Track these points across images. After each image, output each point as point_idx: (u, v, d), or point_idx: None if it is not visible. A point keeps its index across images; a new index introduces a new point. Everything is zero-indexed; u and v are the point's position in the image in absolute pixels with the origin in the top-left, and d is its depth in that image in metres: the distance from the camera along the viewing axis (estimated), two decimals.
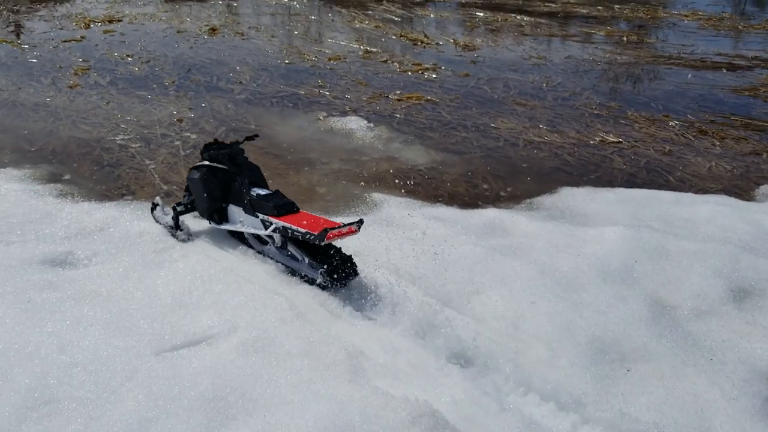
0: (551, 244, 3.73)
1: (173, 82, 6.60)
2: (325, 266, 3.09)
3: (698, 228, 4.12)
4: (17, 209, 3.97)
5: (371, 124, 5.79)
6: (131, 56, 7.40)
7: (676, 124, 6.01)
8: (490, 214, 4.16)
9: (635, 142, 5.58)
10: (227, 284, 3.17)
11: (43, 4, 9.86)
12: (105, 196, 4.29)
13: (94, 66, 6.76)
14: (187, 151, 5.03)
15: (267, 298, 3.04)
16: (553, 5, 11.17)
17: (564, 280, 3.35)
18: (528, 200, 4.47)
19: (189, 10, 9.99)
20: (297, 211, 3.42)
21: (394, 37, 8.84)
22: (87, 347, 2.61)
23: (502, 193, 4.60)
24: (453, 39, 8.79)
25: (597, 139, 5.63)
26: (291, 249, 3.36)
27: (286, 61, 7.59)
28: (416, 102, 6.40)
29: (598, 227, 3.95)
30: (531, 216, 4.15)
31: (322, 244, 3.00)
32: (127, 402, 2.34)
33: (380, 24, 9.45)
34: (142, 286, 3.13)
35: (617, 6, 11.19)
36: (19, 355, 2.55)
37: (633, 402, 2.55)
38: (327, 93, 6.56)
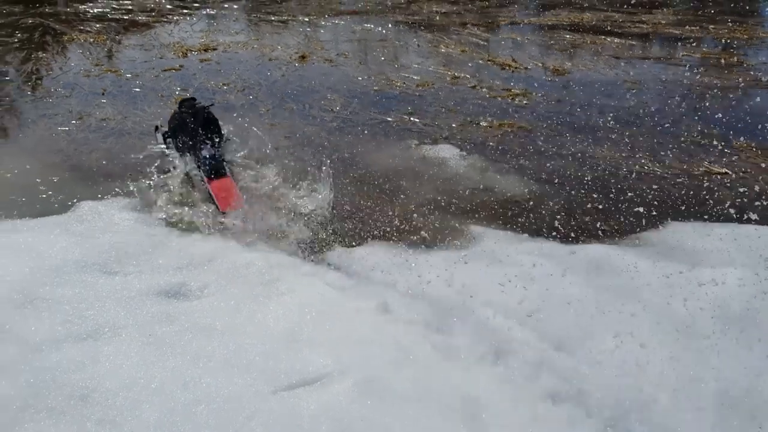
0: (664, 285, 3.58)
1: (268, 110, 6.76)
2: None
3: None
4: (130, 238, 4.13)
5: (464, 153, 5.75)
6: (227, 84, 7.64)
7: None
8: (596, 250, 4.03)
9: (744, 173, 5.33)
10: (336, 321, 3.18)
11: (143, 33, 10.33)
12: (210, 226, 4.42)
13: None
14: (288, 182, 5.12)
15: (377, 337, 3.03)
16: (643, 26, 10.86)
17: (682, 325, 3.20)
18: (634, 235, 4.32)
19: (278, 38, 10.24)
20: (225, 175, 4.68)
21: (481, 61, 8.79)
22: (208, 384, 2.67)
23: (606, 227, 4.46)
24: (542, 63, 8.67)
25: (701, 169, 5.40)
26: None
27: (375, 88, 7.65)
28: (509, 129, 6.32)
29: (714, 267, 3.76)
30: (639, 253, 4.01)
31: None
32: None
33: (466, 48, 9.42)
34: (254, 321, 3.19)
35: (712, 26, 10.78)
36: (146, 390, 2.63)
37: None
38: (417, 120, 6.57)
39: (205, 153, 4.80)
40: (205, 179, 4.68)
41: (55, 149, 5.68)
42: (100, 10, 12.09)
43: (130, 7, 12.40)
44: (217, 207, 4.53)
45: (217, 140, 5.10)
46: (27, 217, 4.47)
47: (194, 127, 4.97)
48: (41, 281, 3.45)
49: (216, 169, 4.67)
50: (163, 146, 5.29)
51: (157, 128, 5.41)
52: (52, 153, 5.60)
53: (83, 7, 12.38)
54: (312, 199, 4.70)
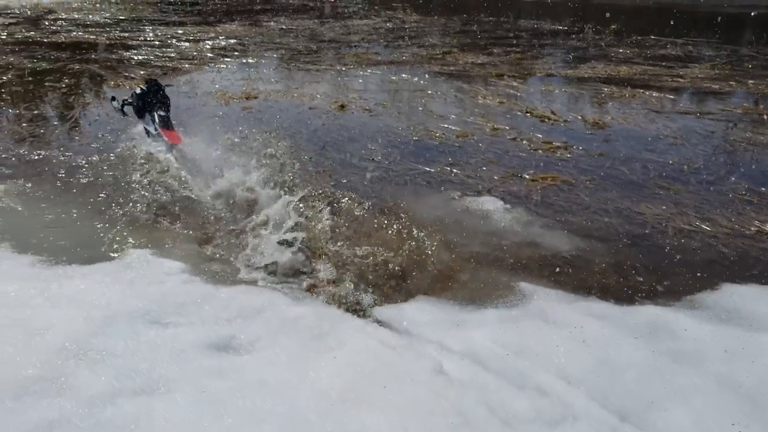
0: (726, 352, 3.47)
1: (310, 159, 6.81)
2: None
3: None
4: (179, 288, 4.13)
5: (508, 206, 5.72)
6: (269, 132, 7.73)
7: None
8: (650, 312, 3.94)
9: None
10: (391, 382, 3.12)
11: (185, 80, 10.56)
12: (259, 280, 4.42)
13: (239, 144, 7.10)
14: (334, 230, 5.12)
15: (433, 402, 2.96)
16: (681, 80, 10.85)
17: (748, 396, 3.08)
18: (688, 297, 4.22)
19: (317, 87, 10.41)
20: (171, 128, 6.63)
21: (519, 113, 8.83)
22: None
23: (659, 288, 4.36)
24: (581, 116, 8.67)
25: (753, 228, 5.30)
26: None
27: (415, 138, 7.70)
28: (551, 183, 6.29)
29: None
30: (696, 316, 3.90)
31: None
32: None
33: (504, 100, 9.47)
34: (308, 378, 3.14)
35: (751, 81, 10.73)
36: None
37: None
38: (458, 171, 6.57)
39: (162, 113, 6.77)
40: (160, 129, 6.65)
41: (101, 195, 5.76)
42: (144, 57, 12.44)
43: (172, 55, 12.73)
44: (169, 143, 6.55)
45: (168, 106, 6.92)
46: (76, 263, 4.52)
47: (157, 96, 6.88)
48: (94, 331, 3.46)
49: (166, 123, 6.68)
50: (120, 111, 7.28)
51: (113, 98, 7.46)
52: (98, 199, 5.68)
53: (128, 54, 12.75)
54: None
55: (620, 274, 4.57)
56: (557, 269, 4.65)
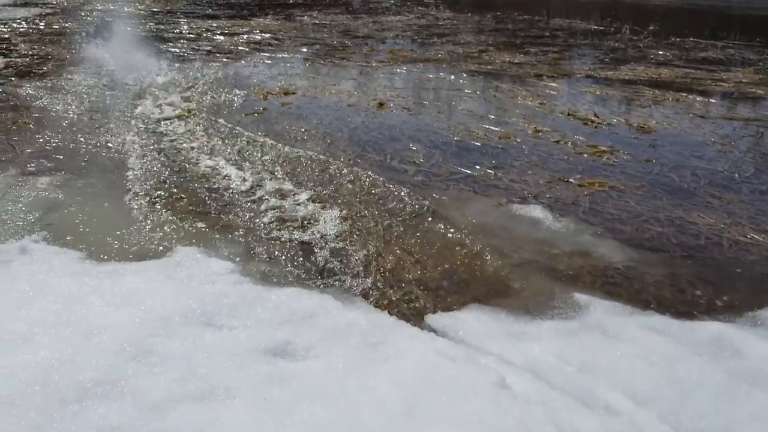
0: None
1: (350, 159, 6.76)
2: None
3: None
4: (230, 289, 4.10)
5: (556, 213, 5.62)
6: (308, 131, 7.70)
7: None
8: (713, 328, 3.82)
9: None
10: (453, 395, 3.05)
11: (223, 74, 10.56)
12: (307, 280, 4.37)
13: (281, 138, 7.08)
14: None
15: (498, 419, 2.89)
16: (725, 84, 10.62)
17: None
18: (750, 313, 4.09)
19: (354, 84, 10.35)
20: None
21: (561, 114, 8.69)
22: None
23: (718, 302, 4.24)
24: (625, 119, 8.52)
25: None
26: None
27: (456, 139, 7.61)
28: (599, 188, 6.17)
29: None
30: (761, 335, 3.78)
31: None
32: None
33: (544, 101, 9.34)
34: (368, 388, 3.09)
35: None
36: None
37: None
38: (502, 175, 6.48)
39: None
40: None
41: (146, 190, 5.76)
42: (180, 50, 12.47)
43: (208, 48, 12.76)
44: None
45: None
46: (125, 260, 4.51)
47: None
48: (151, 332, 3.44)
49: None
50: None
51: None
52: (145, 193, 5.67)
53: (164, 46, 12.79)
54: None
55: (676, 287, 4.45)
56: (611, 280, 4.55)
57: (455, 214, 5.56)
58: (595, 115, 8.58)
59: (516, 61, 12.31)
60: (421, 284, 4.41)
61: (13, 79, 9.73)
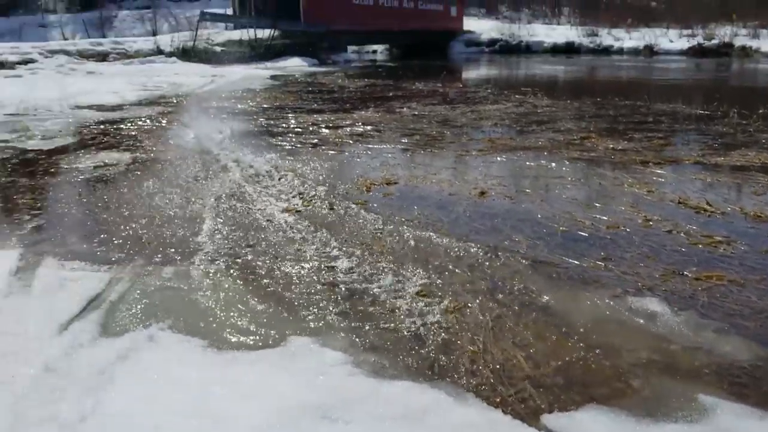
0: None
1: (453, 251, 6.82)
2: None
3: None
4: (345, 382, 4.18)
5: (673, 307, 5.40)
6: (410, 221, 7.86)
7: None
8: None
9: None
10: None
11: (328, 166, 11.03)
12: (418, 374, 4.39)
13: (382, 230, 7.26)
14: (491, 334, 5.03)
15: None
16: None
17: None
18: None
19: (454, 172, 10.55)
20: None
21: (670, 203, 8.46)
22: None
23: None
24: (739, 207, 8.18)
25: None
26: None
27: (561, 228, 7.54)
28: (717, 282, 5.90)
29: None
30: None
31: None
32: None
33: (652, 189, 9.14)
34: None
35: None
36: None
37: None
38: (612, 266, 6.33)
39: None
40: None
41: (258, 278, 6.02)
42: (288, 144, 13.18)
43: (314, 141, 13.42)
44: None
45: None
46: (242, 349, 4.70)
47: None
48: (271, 424, 3.53)
49: None
50: None
51: None
52: (257, 282, 5.93)
53: (273, 140, 13.57)
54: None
55: None
56: (737, 380, 4.29)
57: (566, 306, 5.46)
58: (708, 203, 8.30)
59: (619, 147, 12.18)
60: (534, 381, 4.33)
61: (138, 173, 10.57)
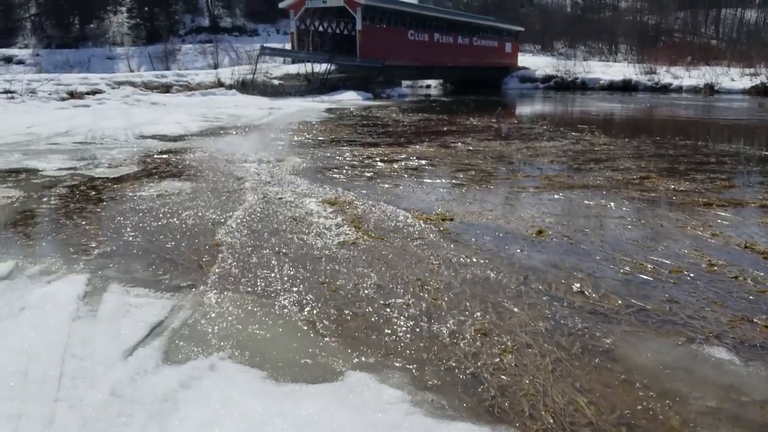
0: None
1: (511, 291, 6.75)
2: None
3: None
4: (402, 420, 4.15)
5: (743, 355, 5.21)
6: (468, 257, 7.82)
7: None
8: None
9: None
10: None
11: (385, 200, 11.10)
12: (476, 415, 4.32)
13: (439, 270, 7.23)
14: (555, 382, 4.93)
15: None
16: None
17: None
18: None
19: (511, 209, 10.47)
20: None
21: (736, 247, 8.21)
22: None
23: None
24: None
25: None
26: None
27: (622, 271, 7.38)
28: None
29: None
30: None
31: None
32: None
33: (716, 232, 8.88)
34: None
35: None
36: None
37: None
38: (678, 311, 6.15)
39: None
40: None
41: (319, 312, 6.06)
42: (344, 177, 13.34)
43: (369, 175, 13.54)
44: None
45: None
46: (300, 382, 4.72)
47: None
48: None
49: None
50: None
51: None
52: (317, 316, 5.98)
53: (329, 173, 13.76)
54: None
55: None
56: None
57: (629, 351, 5.33)
58: None
59: (681, 188, 11.92)
60: (595, 428, 4.21)
61: (198, 201, 10.83)
